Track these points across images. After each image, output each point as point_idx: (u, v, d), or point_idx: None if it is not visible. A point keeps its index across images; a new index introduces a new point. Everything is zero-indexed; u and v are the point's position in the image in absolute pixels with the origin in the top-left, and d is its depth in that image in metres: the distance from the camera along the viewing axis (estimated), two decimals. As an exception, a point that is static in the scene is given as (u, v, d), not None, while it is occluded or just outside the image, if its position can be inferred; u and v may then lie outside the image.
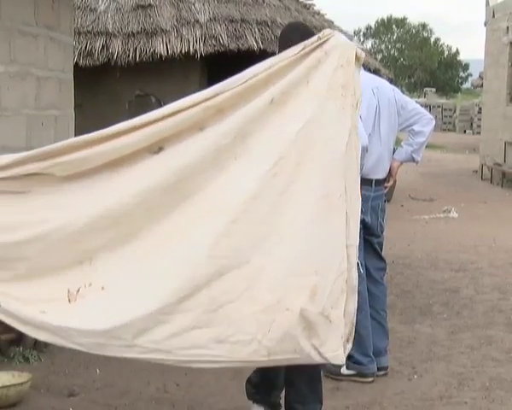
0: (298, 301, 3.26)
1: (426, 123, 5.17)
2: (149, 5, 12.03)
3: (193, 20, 11.83)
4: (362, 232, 4.87)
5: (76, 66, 8.16)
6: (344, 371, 4.95)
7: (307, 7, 13.51)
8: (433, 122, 5.27)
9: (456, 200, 13.57)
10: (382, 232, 5.16)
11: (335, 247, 3.31)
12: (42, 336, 3.49)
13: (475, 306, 6.71)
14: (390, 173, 5.15)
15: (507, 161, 17.83)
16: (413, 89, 52.84)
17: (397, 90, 5.32)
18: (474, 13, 51.08)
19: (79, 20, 11.52)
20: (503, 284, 7.66)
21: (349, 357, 4.75)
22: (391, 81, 18.94)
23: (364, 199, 4.56)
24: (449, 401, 4.61)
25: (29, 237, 3.34)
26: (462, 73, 55.82)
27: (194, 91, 12.13)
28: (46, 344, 5.25)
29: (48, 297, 3.36)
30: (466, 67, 54.50)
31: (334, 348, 3.32)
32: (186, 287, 3.24)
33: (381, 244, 5.21)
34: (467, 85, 53.59)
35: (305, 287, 3.28)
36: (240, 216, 3.26)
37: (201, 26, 11.74)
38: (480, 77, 22.82)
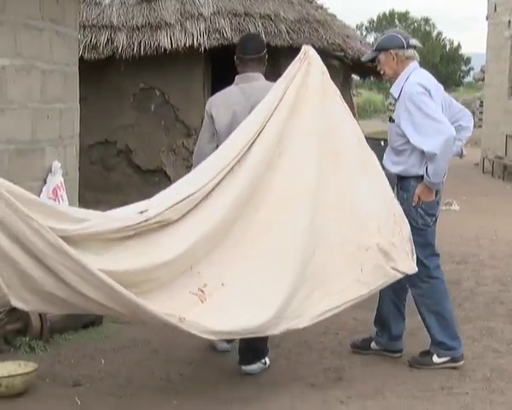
0: (372, 240, 4.57)
1: (469, 119, 5.22)
2: (154, -1, 12.02)
3: (197, 14, 11.82)
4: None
5: (81, 59, 8.16)
6: (436, 359, 5.02)
7: (310, 1, 13.46)
8: (473, 119, 5.31)
9: (458, 193, 13.55)
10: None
11: (383, 197, 4.74)
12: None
13: (476, 298, 6.71)
14: None
15: (508, 154, 17.81)
16: (415, 82, 52.67)
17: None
18: (476, 7, 51.04)
19: (84, 14, 11.52)
20: (504, 276, 7.66)
21: (440, 344, 4.93)
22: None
23: (439, 190, 5.01)
24: (450, 392, 4.61)
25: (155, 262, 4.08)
26: (463, 67, 55.65)
27: (198, 85, 12.22)
28: (51, 334, 5.28)
29: (180, 306, 4.06)
30: (468, 61, 54.34)
31: (406, 263, 4.68)
32: (301, 262, 4.36)
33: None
34: (468, 79, 53.42)
35: (374, 229, 4.60)
36: (313, 197, 4.47)
37: (205, 20, 11.73)
38: (482, 71, 22.76)
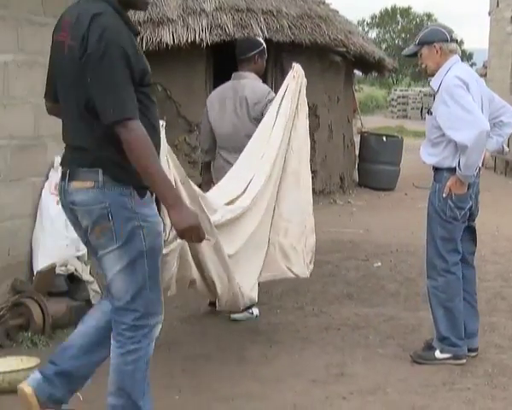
0: (276, 239, 5.31)
1: (511, 115, 5.19)
2: (156, -6, 12.00)
3: (199, 10, 11.81)
4: (467, 220, 5.07)
5: (83, 55, 8.14)
6: (438, 355, 5.02)
7: (312, -4, 13.45)
8: None
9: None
10: (477, 216, 5.25)
11: (301, 210, 5.41)
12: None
13: (478, 293, 6.62)
14: (482, 162, 5.11)
15: (511, 149, 17.77)
16: (417, 78, 52.66)
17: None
18: (478, 2, 50.94)
19: (86, 10, 11.48)
20: (506, 271, 7.65)
21: (444, 339, 4.93)
22: (395, 71, 18.93)
23: (473, 185, 5.00)
24: (452, 388, 4.62)
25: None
26: (466, 63, 55.67)
27: (200, 80, 12.22)
28: (54, 330, 5.28)
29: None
30: (470, 56, 54.25)
31: (300, 268, 5.37)
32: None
33: (475, 228, 5.26)
34: (471, 75, 53.40)
35: (281, 230, 5.32)
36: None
37: (207, 16, 11.72)
38: (484, 66, 22.72)
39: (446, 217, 4.98)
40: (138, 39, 11.20)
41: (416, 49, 5.14)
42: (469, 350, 5.12)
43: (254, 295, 5.11)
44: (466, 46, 55.30)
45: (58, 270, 5.55)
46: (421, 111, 36.53)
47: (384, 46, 51.40)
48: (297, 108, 5.45)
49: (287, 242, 5.34)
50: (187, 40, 11.39)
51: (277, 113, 5.39)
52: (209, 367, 4.89)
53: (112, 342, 3.52)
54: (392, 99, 40.15)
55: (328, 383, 4.68)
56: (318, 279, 6.92)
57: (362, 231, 9.92)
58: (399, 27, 57.93)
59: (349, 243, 8.87)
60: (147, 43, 11.34)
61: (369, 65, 14.91)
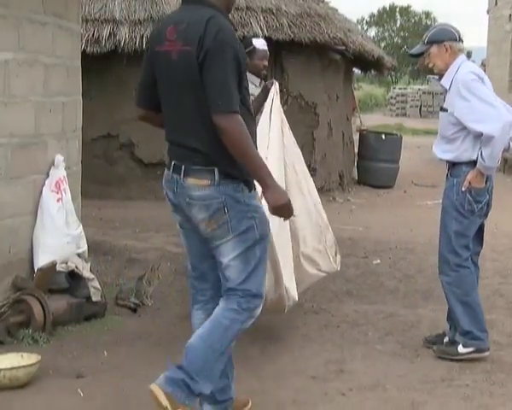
0: (298, 249, 5.38)
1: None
2: (156, -7, 12.00)
3: (199, 8, 11.78)
4: (483, 215, 5.10)
5: (83, 53, 8.14)
6: (461, 349, 5.02)
7: (312, -5, 13.44)
8: None
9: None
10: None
11: (310, 211, 5.53)
12: None
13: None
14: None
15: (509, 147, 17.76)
16: (416, 76, 52.66)
17: None
18: (477, 1, 50.92)
19: (87, 8, 11.50)
20: (504, 268, 7.65)
21: (467, 333, 4.92)
22: (394, 69, 18.92)
23: (490, 179, 5.04)
24: (450, 384, 4.62)
25: None
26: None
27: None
28: (54, 327, 5.28)
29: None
30: (469, 54, 54.07)
31: (328, 265, 5.60)
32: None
33: (483, 226, 5.28)
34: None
35: (300, 240, 5.43)
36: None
37: (207, 14, 11.69)
38: (483, 64, 22.73)
39: (464, 211, 4.99)
40: (138, 37, 11.25)
41: (426, 47, 5.14)
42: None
43: (295, 294, 5.19)
44: (465, 44, 55.12)
45: (59, 267, 5.55)
46: (420, 109, 36.53)
47: (383, 44, 51.38)
48: (282, 122, 5.56)
49: (309, 249, 5.48)
50: (187, 38, 11.37)
51: (269, 129, 5.39)
52: (209, 364, 4.88)
53: (224, 306, 3.76)
54: (391, 97, 40.11)
55: (328, 380, 4.68)
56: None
57: (361, 228, 9.92)
58: (398, 26, 57.89)
59: (348, 240, 8.86)
60: (147, 42, 11.33)
61: (368, 63, 14.90)
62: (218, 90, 3.53)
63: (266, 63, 6.71)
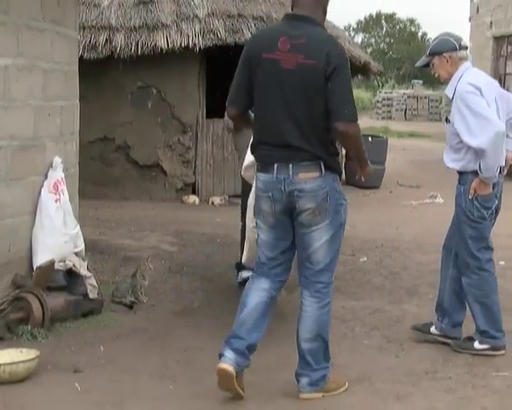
0: None
1: None
2: (151, 1, 12.00)
3: (192, 15, 11.79)
4: (494, 218, 5.07)
5: (81, 59, 8.13)
6: (477, 345, 5.04)
7: (301, 3, 13.43)
8: None
9: (442, 186, 13.54)
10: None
11: None
12: None
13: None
14: (506, 163, 5.12)
15: None
16: (401, 81, 52.74)
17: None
18: (460, 9, 50.99)
19: (84, 15, 11.48)
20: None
21: (483, 333, 4.95)
22: (380, 74, 18.93)
23: (498, 185, 5.01)
24: (434, 377, 4.63)
25: None
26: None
27: (193, 83, 12.22)
28: (53, 323, 5.27)
29: None
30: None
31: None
32: None
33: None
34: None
35: None
36: None
37: (200, 21, 11.71)
38: (465, 69, 22.77)
39: (474, 217, 4.98)
40: (133, 44, 11.25)
41: (428, 60, 5.15)
42: (452, 338, 5.17)
43: None
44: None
45: (57, 265, 5.54)
46: (405, 112, 36.61)
47: (369, 50, 51.40)
48: None
49: None
50: (180, 45, 11.38)
51: None
52: (202, 358, 4.88)
53: (309, 299, 4.24)
54: (378, 101, 40.14)
55: (316, 373, 4.67)
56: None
57: (348, 227, 9.79)
58: (384, 32, 57.96)
59: (336, 238, 8.85)
60: (142, 48, 11.34)
61: (355, 68, 14.87)
62: (345, 102, 4.03)
63: None
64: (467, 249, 5.05)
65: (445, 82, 5.16)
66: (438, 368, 4.77)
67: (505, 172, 5.14)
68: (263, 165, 4.19)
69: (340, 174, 4.27)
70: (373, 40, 58.01)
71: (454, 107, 4.96)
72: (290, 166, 4.07)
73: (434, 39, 5.26)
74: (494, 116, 4.83)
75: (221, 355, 4.21)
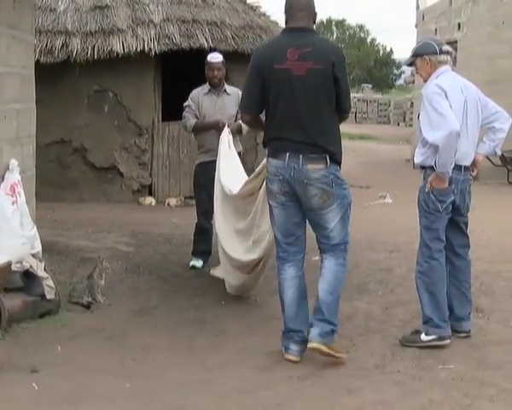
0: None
1: (504, 121, 5.35)
2: (106, 6, 11.91)
3: (147, 21, 11.74)
4: (450, 212, 5.21)
5: (37, 63, 8.03)
6: (424, 337, 5.12)
7: (254, 9, 13.46)
8: (510, 120, 5.40)
9: (391, 187, 13.71)
10: (468, 212, 5.39)
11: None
12: None
13: (407, 283, 6.76)
14: (474, 165, 5.32)
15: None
16: (352, 85, 53.07)
17: (479, 91, 5.43)
18: (407, 15, 51.64)
19: (40, 20, 11.34)
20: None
21: (428, 321, 5.06)
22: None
23: (456, 182, 5.17)
24: (383, 371, 4.67)
25: None
26: (395, 71, 56.31)
27: (149, 87, 12.14)
28: (10, 324, 5.18)
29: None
30: (399, 65, 54.96)
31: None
32: None
33: (466, 223, 5.41)
34: (400, 82, 54.06)
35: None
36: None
37: (155, 26, 11.66)
38: (412, 74, 23.04)
39: (429, 209, 5.16)
40: (90, 48, 11.15)
41: (412, 59, 5.38)
42: (459, 332, 5.28)
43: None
44: (395, 55, 56.04)
45: (14, 267, 5.45)
46: (355, 115, 36.91)
47: (321, 55, 51.67)
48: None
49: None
50: (136, 49, 11.32)
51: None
52: (159, 356, 4.86)
53: (335, 262, 4.89)
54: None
55: (270, 369, 4.69)
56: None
57: (301, 226, 9.93)
58: (334, 37, 58.40)
59: (289, 238, 8.87)
60: (98, 52, 11.24)
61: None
62: (348, 97, 4.83)
63: (215, 73, 7.00)
64: (422, 238, 5.25)
65: (425, 82, 5.33)
66: (387, 362, 4.81)
67: (474, 172, 5.34)
68: (276, 152, 4.74)
69: (341, 165, 4.80)
70: (324, 45, 58.35)
71: (421, 104, 5.18)
72: (300, 156, 4.63)
73: (419, 42, 5.56)
74: (452, 116, 4.98)
75: (286, 348, 4.82)
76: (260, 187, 5.47)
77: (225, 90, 7.14)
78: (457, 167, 5.14)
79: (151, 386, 4.37)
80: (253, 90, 4.74)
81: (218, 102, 7.07)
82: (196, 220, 7.25)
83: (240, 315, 5.81)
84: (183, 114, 7.17)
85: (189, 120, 7.10)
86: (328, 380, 4.51)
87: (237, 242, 6.02)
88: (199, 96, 7.13)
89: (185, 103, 7.19)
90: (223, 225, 6.19)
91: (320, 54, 4.60)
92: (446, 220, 5.23)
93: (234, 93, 7.12)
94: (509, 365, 4.78)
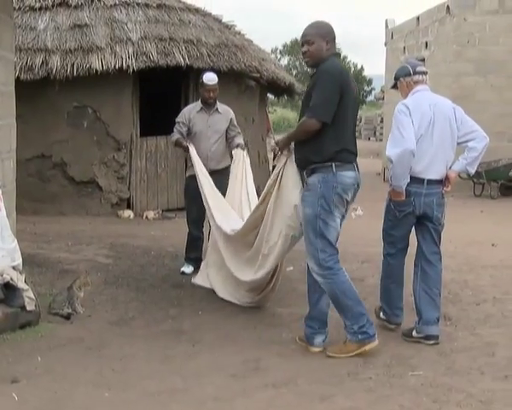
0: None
1: (479, 140, 5.46)
2: (85, 24, 11.89)
3: (125, 39, 11.73)
4: (412, 222, 5.45)
5: (17, 80, 7.99)
6: (414, 334, 5.42)
7: (229, 27, 13.53)
8: (487, 140, 5.50)
9: (362, 199, 13.66)
10: (440, 223, 5.49)
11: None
12: None
13: (379, 293, 6.80)
14: (448, 181, 5.46)
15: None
16: (324, 101, 53.34)
17: (458, 108, 5.54)
18: (377, 34, 51.97)
19: (20, 38, 11.30)
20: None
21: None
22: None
23: (416, 195, 5.33)
24: (356, 378, 4.67)
25: None
26: (366, 87, 56.57)
27: (127, 103, 12.13)
28: (-10, 335, 5.13)
29: None
30: (369, 81, 55.30)
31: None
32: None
33: (437, 232, 5.50)
34: (370, 98, 54.36)
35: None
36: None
37: (133, 44, 11.65)
38: (382, 91, 23.24)
39: (390, 215, 5.51)
40: (69, 65, 11.11)
41: (394, 83, 5.74)
42: (428, 337, 5.35)
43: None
44: (366, 72, 56.39)
45: (-6, 279, 5.40)
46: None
47: (294, 72, 51.91)
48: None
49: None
50: (115, 66, 11.30)
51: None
52: (137, 366, 4.83)
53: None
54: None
55: (246, 377, 4.67)
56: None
57: (275, 238, 9.93)
58: (307, 56, 58.60)
59: (264, 249, 8.87)
60: (77, 69, 11.21)
61: (280, 89, 15.05)
62: None
63: (212, 94, 7.17)
64: (382, 240, 5.66)
65: None
66: (359, 370, 4.81)
67: (448, 188, 5.46)
68: (346, 164, 4.95)
69: None
70: (298, 63, 58.61)
71: None
72: (355, 165, 5.02)
73: (399, 66, 5.89)
74: (409, 136, 5.13)
75: (367, 336, 5.01)
76: (268, 201, 5.49)
77: (217, 109, 7.32)
78: (418, 181, 5.27)
79: (130, 395, 4.34)
80: (334, 101, 4.85)
81: (210, 120, 7.27)
82: (187, 230, 7.45)
83: (216, 325, 5.79)
84: (174, 128, 7.27)
85: (174, 135, 7.28)
86: (302, 387, 4.50)
87: (247, 265, 6.01)
88: (190, 114, 7.27)
89: (177, 119, 7.27)
90: (230, 258, 6.29)
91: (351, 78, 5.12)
92: (407, 229, 5.48)
93: (225, 111, 7.40)
94: (475, 371, 4.81)
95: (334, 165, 4.90)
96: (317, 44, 5.00)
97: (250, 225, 5.84)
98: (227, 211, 6.56)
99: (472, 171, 5.57)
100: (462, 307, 6.41)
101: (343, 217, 5.10)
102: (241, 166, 6.90)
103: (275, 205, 5.38)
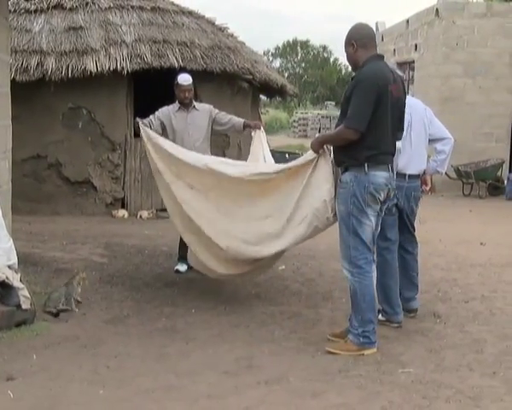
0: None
1: (445, 143, 5.91)
2: (80, 27, 11.86)
3: (120, 41, 11.70)
4: (396, 213, 5.71)
5: (13, 81, 7.96)
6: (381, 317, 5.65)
7: (222, 29, 13.51)
8: (452, 141, 5.93)
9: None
10: (414, 214, 5.91)
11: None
12: None
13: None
14: (425, 183, 5.97)
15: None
16: (316, 102, 53.47)
17: (428, 109, 5.95)
18: (367, 37, 51.87)
19: (16, 40, 11.25)
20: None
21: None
22: (296, 96, 19.15)
23: (399, 188, 5.55)
24: (347, 375, 4.67)
25: None
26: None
27: (121, 104, 12.11)
28: (-14, 334, 5.12)
29: None
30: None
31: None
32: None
33: (411, 222, 5.90)
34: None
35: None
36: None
37: (128, 46, 11.62)
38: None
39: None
40: (64, 67, 11.08)
41: None
42: (409, 311, 5.88)
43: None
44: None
45: (-10, 278, 5.38)
46: (319, 131, 37.07)
47: (286, 74, 51.94)
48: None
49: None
50: (109, 68, 11.26)
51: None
52: (131, 364, 4.82)
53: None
54: (294, 121, 40.65)
55: (239, 375, 4.67)
56: (230, 282, 6.92)
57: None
58: (299, 57, 58.69)
59: (256, 248, 8.87)
60: (72, 71, 11.16)
61: (272, 90, 15.02)
62: None
63: (187, 95, 7.13)
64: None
65: None
66: (350, 367, 4.81)
67: (427, 187, 5.92)
68: (380, 164, 4.93)
69: None
70: (289, 65, 58.65)
71: None
72: (389, 166, 5.00)
73: None
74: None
75: (371, 341, 5.05)
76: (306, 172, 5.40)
77: (194, 107, 7.27)
78: (401, 175, 5.62)
79: (124, 393, 4.33)
80: (369, 111, 4.81)
81: (189, 118, 7.22)
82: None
83: (209, 323, 5.79)
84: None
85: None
86: (294, 384, 4.50)
87: (250, 226, 5.85)
88: (170, 114, 7.21)
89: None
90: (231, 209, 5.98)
91: (398, 83, 5.06)
92: (391, 221, 5.66)
93: (203, 108, 7.35)
94: (464, 367, 4.83)
95: (366, 164, 4.90)
96: (346, 51, 5.10)
97: (260, 185, 5.76)
98: (227, 161, 6.42)
99: (442, 171, 6.04)
100: (451, 305, 6.43)
101: (378, 215, 5.06)
102: (260, 147, 6.83)
103: (303, 192, 5.40)
